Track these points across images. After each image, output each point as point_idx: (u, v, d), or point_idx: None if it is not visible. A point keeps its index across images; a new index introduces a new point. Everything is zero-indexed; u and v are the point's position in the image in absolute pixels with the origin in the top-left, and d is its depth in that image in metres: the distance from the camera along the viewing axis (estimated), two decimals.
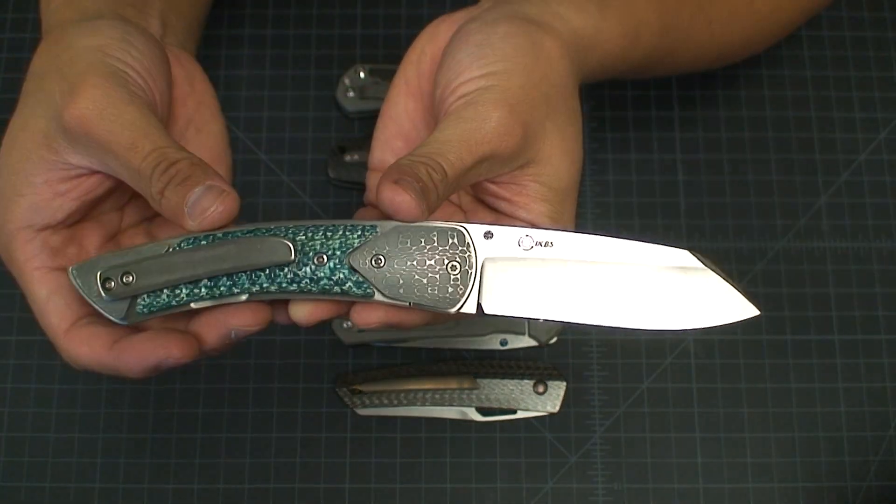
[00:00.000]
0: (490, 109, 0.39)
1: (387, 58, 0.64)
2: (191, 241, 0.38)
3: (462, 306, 0.38)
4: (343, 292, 0.38)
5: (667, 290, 0.39)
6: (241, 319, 0.38)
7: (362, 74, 0.63)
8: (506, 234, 0.38)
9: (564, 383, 0.57)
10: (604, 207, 0.61)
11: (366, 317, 0.38)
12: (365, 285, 0.37)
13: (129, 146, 0.38)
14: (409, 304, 0.38)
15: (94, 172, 0.40)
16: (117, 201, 0.44)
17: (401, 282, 0.37)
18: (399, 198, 0.36)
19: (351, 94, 0.63)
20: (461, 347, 0.59)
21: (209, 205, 0.37)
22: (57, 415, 0.57)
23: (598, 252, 0.39)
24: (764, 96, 0.64)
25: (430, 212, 0.37)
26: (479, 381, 0.57)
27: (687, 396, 0.58)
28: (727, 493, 0.57)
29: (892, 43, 0.65)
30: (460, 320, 0.58)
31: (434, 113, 0.43)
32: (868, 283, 0.60)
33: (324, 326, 0.59)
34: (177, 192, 0.37)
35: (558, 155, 0.41)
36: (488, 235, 0.38)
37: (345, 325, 0.58)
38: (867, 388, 0.58)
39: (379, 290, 0.37)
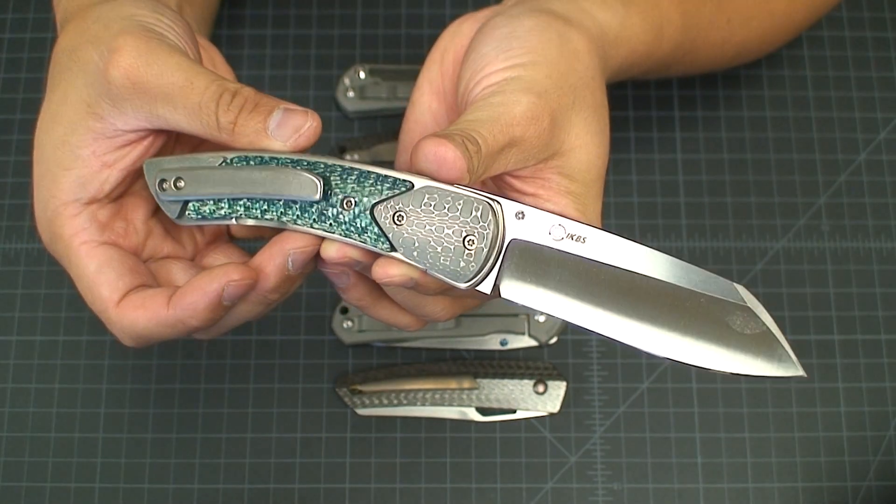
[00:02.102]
0: (518, 95, 0.38)
1: (387, 58, 0.64)
2: (242, 158, 0.37)
3: (475, 283, 0.36)
4: (363, 241, 0.37)
5: (703, 322, 0.35)
6: (294, 242, 0.37)
7: (362, 74, 0.63)
8: (538, 218, 0.36)
9: (564, 383, 0.57)
10: (604, 207, 0.61)
11: (387, 269, 0.36)
12: (383, 239, 0.36)
13: (185, 84, 0.37)
14: (426, 270, 0.36)
15: (140, 139, 0.39)
16: None
17: (416, 244, 0.36)
18: (442, 149, 0.34)
19: (351, 94, 0.63)
20: (461, 347, 0.59)
21: (302, 123, 0.37)
22: (57, 415, 0.57)
23: (634, 261, 0.35)
24: (764, 96, 0.64)
25: (469, 178, 0.36)
26: (479, 381, 0.57)
27: (687, 396, 0.58)
28: (727, 493, 0.57)
29: (892, 43, 0.65)
30: (461, 319, 0.58)
31: (458, 108, 0.42)
32: (868, 283, 0.60)
33: (324, 326, 0.59)
34: (253, 118, 0.37)
35: (583, 147, 0.40)
36: (520, 215, 0.36)
37: (345, 325, 0.58)
38: (867, 388, 0.58)
39: (395, 248, 0.36)
